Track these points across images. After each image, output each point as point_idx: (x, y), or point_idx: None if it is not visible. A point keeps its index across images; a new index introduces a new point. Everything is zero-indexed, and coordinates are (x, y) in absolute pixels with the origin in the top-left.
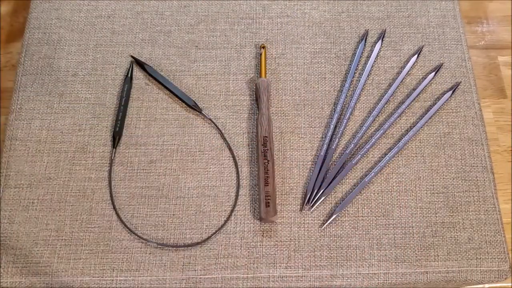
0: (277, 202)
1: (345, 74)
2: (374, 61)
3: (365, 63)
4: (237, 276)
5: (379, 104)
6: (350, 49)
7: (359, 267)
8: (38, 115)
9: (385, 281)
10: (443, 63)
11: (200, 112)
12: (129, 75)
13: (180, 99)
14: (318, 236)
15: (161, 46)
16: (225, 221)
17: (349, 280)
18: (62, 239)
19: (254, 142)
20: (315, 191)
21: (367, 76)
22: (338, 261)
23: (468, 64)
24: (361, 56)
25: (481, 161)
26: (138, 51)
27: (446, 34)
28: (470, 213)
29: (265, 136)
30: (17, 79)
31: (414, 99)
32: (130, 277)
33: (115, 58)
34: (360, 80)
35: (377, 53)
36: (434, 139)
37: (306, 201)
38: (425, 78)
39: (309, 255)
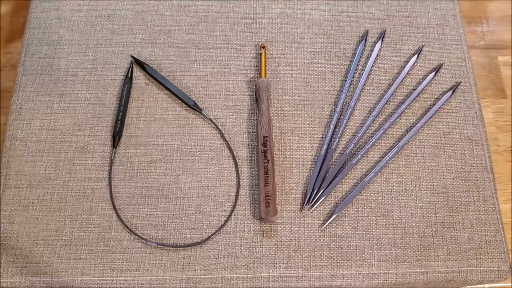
0: (277, 202)
1: (345, 74)
2: (374, 61)
3: (365, 63)
4: (237, 276)
5: (379, 104)
6: (350, 49)
7: (359, 267)
8: (38, 115)
9: (385, 281)
10: (443, 63)
11: (200, 112)
12: (129, 75)
13: (180, 99)
14: (318, 236)
15: (161, 46)
16: (225, 221)
17: (349, 280)
18: (62, 239)
19: (254, 142)
20: (315, 191)
21: (367, 76)
22: (338, 261)
23: (468, 64)
24: (361, 56)
25: (481, 161)
26: (138, 51)
27: (446, 34)
28: (470, 213)
29: (265, 136)
30: (17, 79)
31: (414, 99)
32: (130, 277)
33: (115, 58)
34: (360, 80)
35: (377, 53)
36: (434, 139)
37: (306, 201)
38: (425, 78)
39: (309, 255)
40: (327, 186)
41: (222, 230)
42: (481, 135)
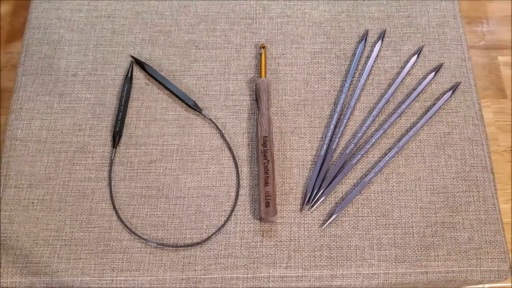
0: (277, 202)
1: (345, 74)
2: (374, 61)
3: (365, 63)
4: (237, 276)
5: (379, 104)
6: (350, 49)
7: (359, 267)
8: (38, 115)
9: (385, 281)
10: (443, 63)
11: (200, 112)
12: (129, 75)
13: (180, 99)
14: (318, 236)
15: (161, 46)
16: (225, 221)
17: (349, 280)
18: (62, 239)
19: (254, 142)
20: (315, 191)
21: (367, 76)
22: (338, 261)
23: (468, 64)
24: (361, 56)
25: (481, 161)
26: (138, 51)
27: (446, 34)
28: (470, 213)
29: (265, 136)
30: (17, 79)
31: (414, 99)
32: (130, 277)
33: (115, 58)
34: (360, 80)
35: (377, 53)
36: (434, 139)
37: (306, 201)
38: (425, 78)
39: (309, 255)
40: (327, 186)
41: (222, 230)
42: (481, 135)
